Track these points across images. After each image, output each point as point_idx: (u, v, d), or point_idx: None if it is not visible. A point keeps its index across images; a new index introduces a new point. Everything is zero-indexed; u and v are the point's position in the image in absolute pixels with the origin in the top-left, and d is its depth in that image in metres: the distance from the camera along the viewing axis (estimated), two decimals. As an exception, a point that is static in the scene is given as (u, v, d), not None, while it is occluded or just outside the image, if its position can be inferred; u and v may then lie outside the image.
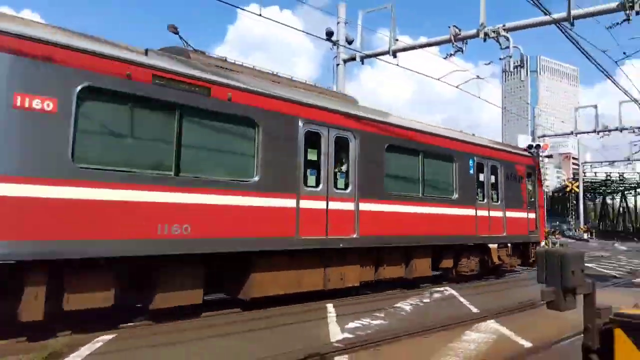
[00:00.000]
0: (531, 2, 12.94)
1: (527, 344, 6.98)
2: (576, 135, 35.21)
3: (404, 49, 18.85)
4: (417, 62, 16.77)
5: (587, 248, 33.27)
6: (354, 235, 10.05)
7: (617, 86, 18.17)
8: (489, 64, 18.94)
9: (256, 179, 8.60)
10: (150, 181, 7.23)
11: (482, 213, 13.91)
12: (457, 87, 18.30)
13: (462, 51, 17.21)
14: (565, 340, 6.69)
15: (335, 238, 9.72)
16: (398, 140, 11.56)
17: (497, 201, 14.76)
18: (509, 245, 15.33)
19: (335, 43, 19.38)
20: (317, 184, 9.68)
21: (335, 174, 10.08)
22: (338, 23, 19.03)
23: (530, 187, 16.75)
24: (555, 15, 14.26)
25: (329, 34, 18.24)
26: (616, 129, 30.70)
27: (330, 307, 9.44)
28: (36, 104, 6.30)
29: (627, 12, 13.53)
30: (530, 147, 22.30)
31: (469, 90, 18.43)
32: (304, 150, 9.49)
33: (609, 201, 73.73)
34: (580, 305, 2.70)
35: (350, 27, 19.40)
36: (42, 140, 6.36)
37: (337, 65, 20.37)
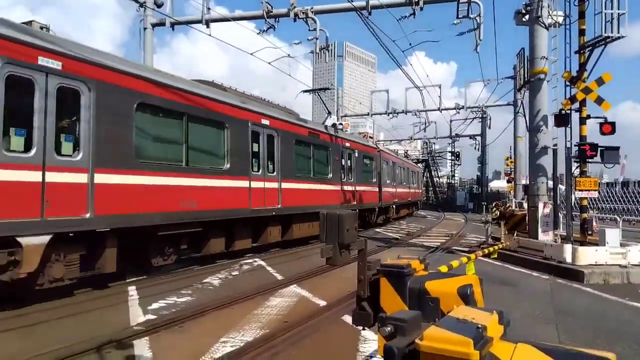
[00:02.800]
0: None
1: (323, 303, 7.67)
2: (371, 116, 39.71)
3: (218, 20, 18.32)
4: (233, 35, 16.52)
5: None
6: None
7: (404, 74, 20.96)
8: (299, 43, 19.69)
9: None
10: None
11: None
12: (269, 63, 18.62)
13: (274, 28, 17.58)
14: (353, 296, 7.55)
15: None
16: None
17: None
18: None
19: (142, 5, 17.72)
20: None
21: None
22: (145, -19, 17.40)
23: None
24: (356, 4, 15.61)
25: (135, -8, 16.60)
26: (402, 112, 35.54)
27: (132, 289, 8.79)
28: None
29: (413, 7, 15.59)
30: (334, 125, 24.25)
31: (282, 68, 19.03)
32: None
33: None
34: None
35: (161, -11, 17.98)
36: None
37: (145, 29, 18.73)
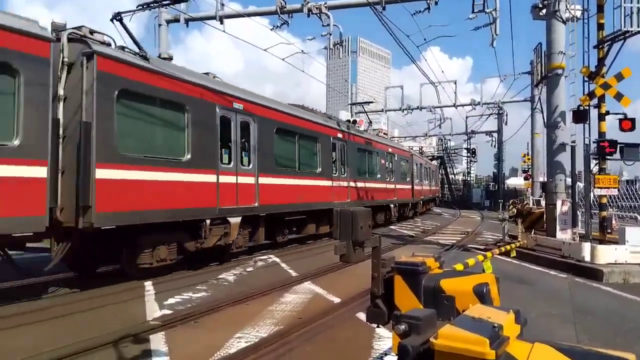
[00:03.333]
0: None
1: (337, 300, 7.67)
2: (386, 112, 39.52)
3: (232, 16, 18.41)
4: (247, 32, 16.64)
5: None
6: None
7: (419, 69, 20.77)
8: (312, 39, 19.70)
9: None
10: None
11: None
12: (283, 59, 18.62)
13: (287, 24, 17.57)
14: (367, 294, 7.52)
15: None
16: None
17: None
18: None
19: (156, 1, 17.87)
20: None
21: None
22: (158, -21, 17.51)
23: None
24: (370, -1, 15.48)
25: (149, -10, 16.69)
26: (417, 108, 35.28)
27: (148, 284, 8.90)
28: None
29: (428, 1, 15.43)
30: (348, 121, 24.21)
31: (296, 64, 19.04)
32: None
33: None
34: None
35: (174, -14, 18.08)
36: None
37: (159, 25, 18.91)
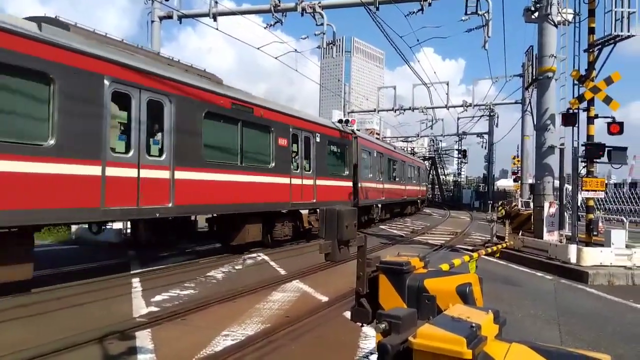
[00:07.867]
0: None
1: (325, 298, 7.68)
2: (378, 113, 39.56)
3: (225, 13, 18.32)
4: (240, 30, 16.55)
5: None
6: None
7: (412, 70, 20.81)
8: (306, 38, 19.63)
9: None
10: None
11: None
12: (276, 58, 18.57)
13: (281, 23, 17.54)
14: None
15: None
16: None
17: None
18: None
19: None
20: None
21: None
22: (152, -26, 17.46)
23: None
24: (364, -2, 15.49)
25: (142, -15, 16.65)
26: (409, 108, 35.36)
27: (135, 281, 8.85)
28: None
29: (422, 2, 15.48)
30: (340, 121, 24.19)
31: (289, 63, 18.98)
32: None
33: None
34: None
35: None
36: None
37: (152, 22, 18.80)
